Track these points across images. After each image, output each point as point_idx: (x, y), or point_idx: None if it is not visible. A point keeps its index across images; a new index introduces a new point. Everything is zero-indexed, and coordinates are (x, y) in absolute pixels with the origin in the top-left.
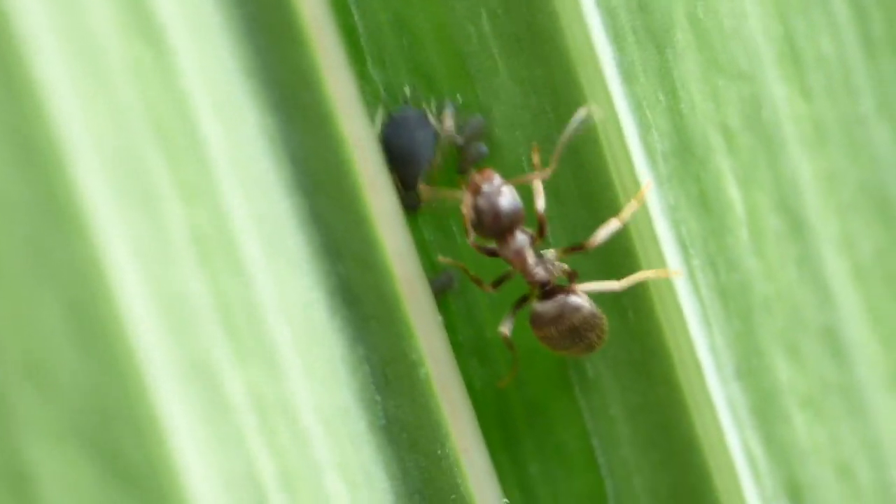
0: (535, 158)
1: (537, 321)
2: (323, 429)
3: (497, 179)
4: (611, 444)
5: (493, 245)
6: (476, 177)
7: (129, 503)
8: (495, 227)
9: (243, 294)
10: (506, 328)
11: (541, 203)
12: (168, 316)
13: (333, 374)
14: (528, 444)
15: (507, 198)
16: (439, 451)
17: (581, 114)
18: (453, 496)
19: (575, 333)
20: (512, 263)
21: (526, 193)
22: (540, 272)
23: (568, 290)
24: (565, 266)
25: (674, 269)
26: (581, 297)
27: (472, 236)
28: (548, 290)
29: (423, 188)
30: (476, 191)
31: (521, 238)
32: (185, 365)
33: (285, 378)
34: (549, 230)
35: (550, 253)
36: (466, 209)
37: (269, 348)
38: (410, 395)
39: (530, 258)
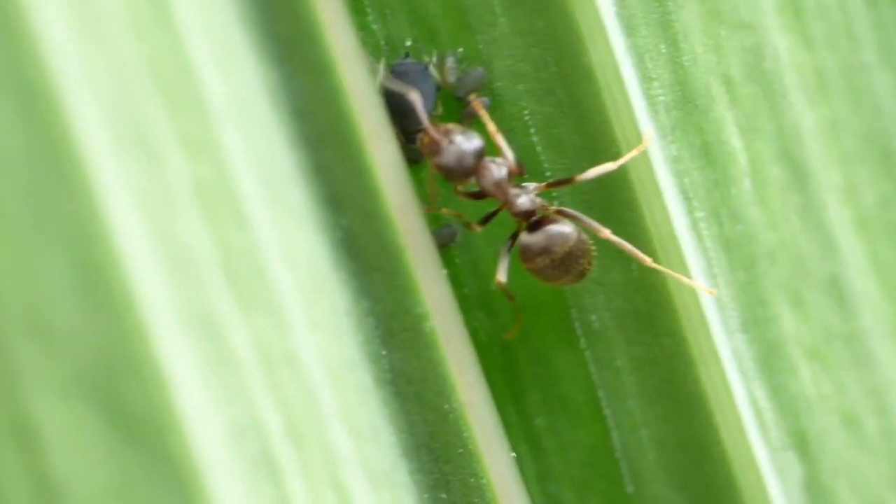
0: (480, 110)
1: (526, 253)
2: (328, 381)
3: (442, 129)
4: (617, 396)
5: (475, 188)
6: (425, 139)
7: (134, 454)
8: (462, 168)
9: (247, 246)
10: (501, 274)
11: (509, 155)
12: (172, 268)
13: (338, 327)
14: (534, 396)
15: (459, 139)
16: (445, 405)
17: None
18: (460, 450)
19: (565, 262)
20: (495, 196)
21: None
22: (522, 201)
23: (553, 220)
24: (544, 201)
25: (705, 287)
26: (567, 224)
27: (458, 187)
28: (534, 222)
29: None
30: (431, 150)
31: (493, 169)
32: (189, 317)
33: (290, 330)
34: (545, 177)
35: (532, 185)
36: (433, 168)
37: (273, 300)
38: (416, 348)
39: (510, 187)
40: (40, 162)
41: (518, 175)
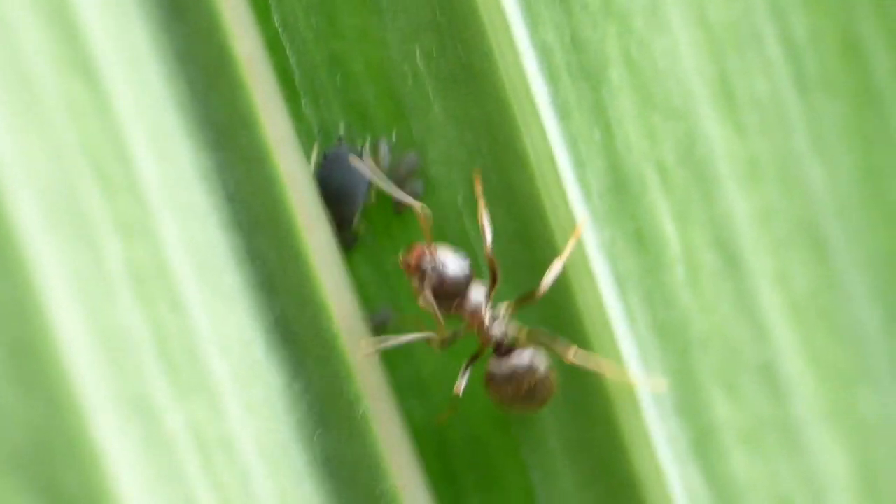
0: (478, 187)
1: (493, 382)
2: (263, 464)
3: (429, 252)
4: (550, 479)
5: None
6: (409, 259)
7: None
8: (452, 294)
9: (181, 329)
10: (459, 389)
11: (489, 237)
12: (107, 351)
13: (272, 411)
14: (467, 479)
15: (452, 265)
16: (378, 488)
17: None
18: None
19: (530, 392)
20: (468, 321)
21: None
22: (495, 330)
23: (521, 349)
24: (518, 325)
25: (654, 382)
26: (536, 354)
27: (421, 300)
28: (502, 350)
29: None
30: (418, 273)
31: (477, 294)
32: (124, 400)
33: (225, 413)
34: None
35: (503, 309)
36: (417, 290)
37: (208, 384)
38: (349, 431)
39: (487, 316)
40: None
41: (494, 288)
